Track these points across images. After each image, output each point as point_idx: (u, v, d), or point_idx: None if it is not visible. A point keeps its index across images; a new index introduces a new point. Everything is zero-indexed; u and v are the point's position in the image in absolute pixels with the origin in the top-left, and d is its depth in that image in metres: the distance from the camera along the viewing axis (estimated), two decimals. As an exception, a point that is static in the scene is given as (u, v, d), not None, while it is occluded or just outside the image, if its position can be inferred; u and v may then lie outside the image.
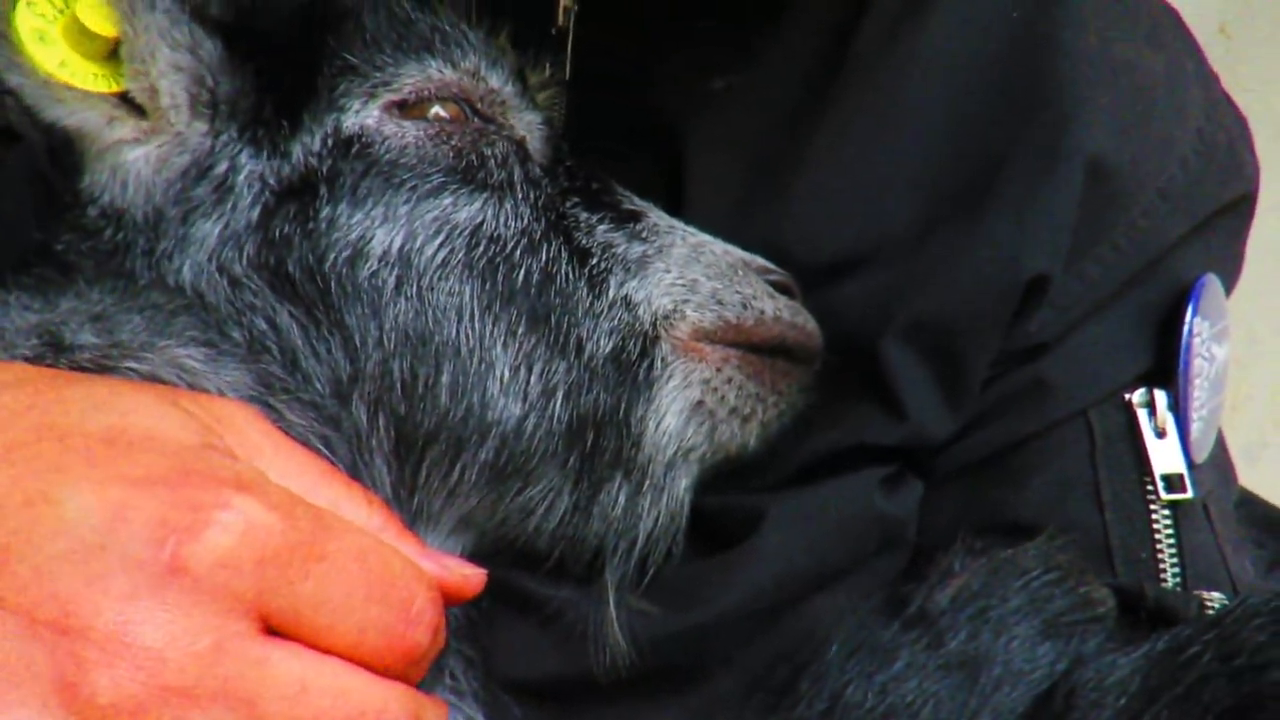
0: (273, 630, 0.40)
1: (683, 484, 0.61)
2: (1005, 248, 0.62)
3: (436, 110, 0.61)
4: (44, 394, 0.41)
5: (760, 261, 0.66)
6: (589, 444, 0.58)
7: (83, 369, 0.48)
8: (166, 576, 0.36)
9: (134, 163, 0.56)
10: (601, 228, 0.62)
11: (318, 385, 0.53)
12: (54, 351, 0.48)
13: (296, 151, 0.58)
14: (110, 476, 0.38)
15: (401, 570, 0.44)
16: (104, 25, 0.55)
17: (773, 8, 0.71)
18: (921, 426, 0.62)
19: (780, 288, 0.65)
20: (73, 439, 0.39)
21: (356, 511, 0.47)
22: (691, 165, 0.70)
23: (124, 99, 0.56)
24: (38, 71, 0.53)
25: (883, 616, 0.58)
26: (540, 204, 0.61)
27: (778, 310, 0.63)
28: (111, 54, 0.56)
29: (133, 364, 0.49)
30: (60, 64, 0.54)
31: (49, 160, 0.62)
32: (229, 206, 0.56)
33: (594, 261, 0.60)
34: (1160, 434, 0.64)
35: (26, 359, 0.48)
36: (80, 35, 0.55)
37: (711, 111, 0.71)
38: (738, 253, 0.65)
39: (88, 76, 0.55)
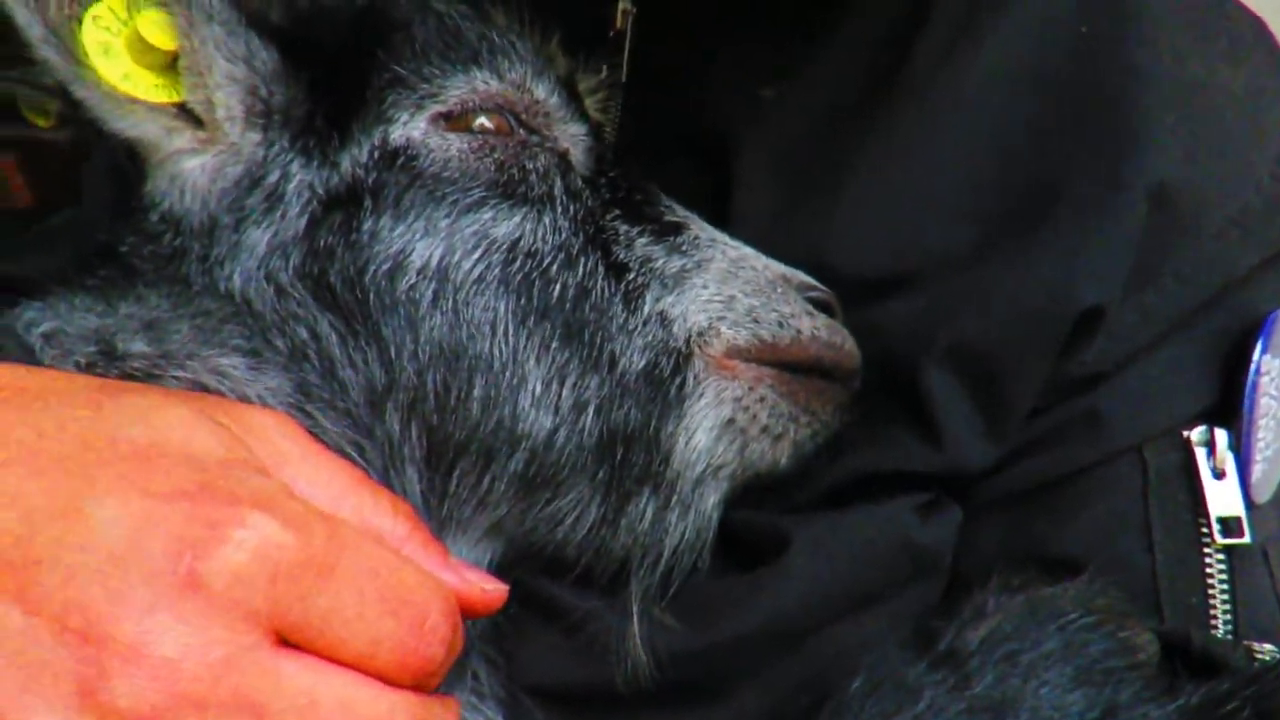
0: (288, 642, 0.41)
1: (711, 500, 0.61)
2: (1057, 277, 0.60)
3: (481, 121, 0.61)
4: (89, 406, 0.44)
5: (801, 277, 0.65)
6: (618, 458, 0.58)
7: (132, 377, 0.50)
8: (184, 590, 0.38)
9: (191, 172, 0.58)
10: (641, 241, 0.62)
11: (353, 394, 0.54)
12: (106, 359, 0.51)
13: (345, 162, 0.59)
14: (138, 490, 0.40)
15: (416, 585, 0.45)
16: (164, 39, 0.57)
17: (827, 14, 0.70)
18: (959, 455, 0.60)
19: (821, 305, 0.64)
20: (109, 452, 0.41)
21: (381, 520, 0.48)
22: (739, 172, 0.69)
23: (183, 109, 0.58)
24: (102, 84, 0.56)
25: (910, 652, 0.57)
26: (580, 217, 0.61)
27: (815, 329, 0.62)
28: (172, 64, 0.58)
29: (178, 373, 0.51)
30: (124, 76, 0.57)
31: (128, 155, 0.64)
32: (278, 215, 0.58)
33: (631, 276, 0.60)
34: (1219, 474, 0.61)
35: (79, 366, 0.50)
36: (142, 47, 0.57)
37: (761, 119, 0.70)
38: (778, 268, 0.64)
39: (149, 88, 0.58)
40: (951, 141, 0.64)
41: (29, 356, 0.52)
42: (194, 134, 0.58)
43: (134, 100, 0.57)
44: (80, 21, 0.56)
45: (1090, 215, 0.60)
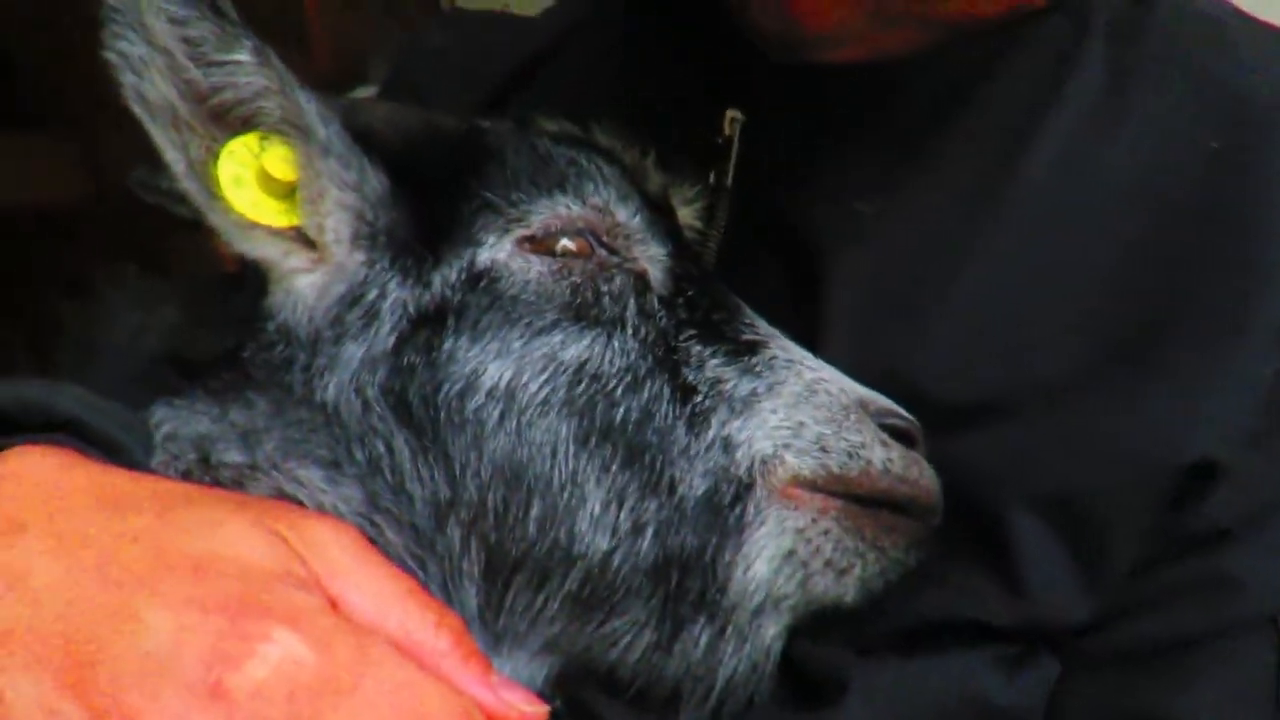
0: None
1: (770, 632, 0.59)
2: (1167, 421, 0.55)
3: (564, 243, 0.64)
4: (167, 513, 0.48)
5: (882, 402, 0.63)
6: (674, 584, 0.58)
7: (221, 484, 0.56)
8: (211, 699, 0.41)
9: (303, 289, 0.64)
10: (713, 362, 0.62)
11: (419, 507, 0.57)
12: (202, 467, 0.57)
13: (436, 282, 0.63)
14: (187, 600, 0.43)
15: (439, 706, 0.45)
16: (286, 170, 0.63)
17: (932, 131, 0.68)
18: (1044, 608, 0.56)
19: (900, 433, 0.62)
20: (173, 561, 0.44)
21: (423, 634, 0.49)
22: (829, 285, 0.69)
23: (299, 232, 0.64)
24: (232, 212, 0.62)
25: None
26: (650, 339, 0.62)
27: (887, 461, 0.60)
28: (292, 192, 0.64)
29: (262, 479, 0.56)
30: (252, 204, 0.63)
31: (255, 271, 0.71)
32: (373, 331, 0.62)
33: (698, 399, 0.61)
34: (1366, 656, 0.53)
35: (178, 471, 0.56)
36: (268, 178, 0.63)
37: (856, 234, 0.69)
38: (857, 392, 0.62)
39: (273, 214, 0.64)
40: (1058, 261, 0.61)
41: (148, 456, 0.58)
42: (307, 255, 0.64)
43: (259, 226, 0.63)
44: (217, 157, 0.63)
45: (1210, 355, 0.55)
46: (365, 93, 1.69)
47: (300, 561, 0.48)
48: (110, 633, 0.42)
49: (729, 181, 0.76)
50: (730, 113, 0.76)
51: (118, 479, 0.50)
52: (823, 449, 0.59)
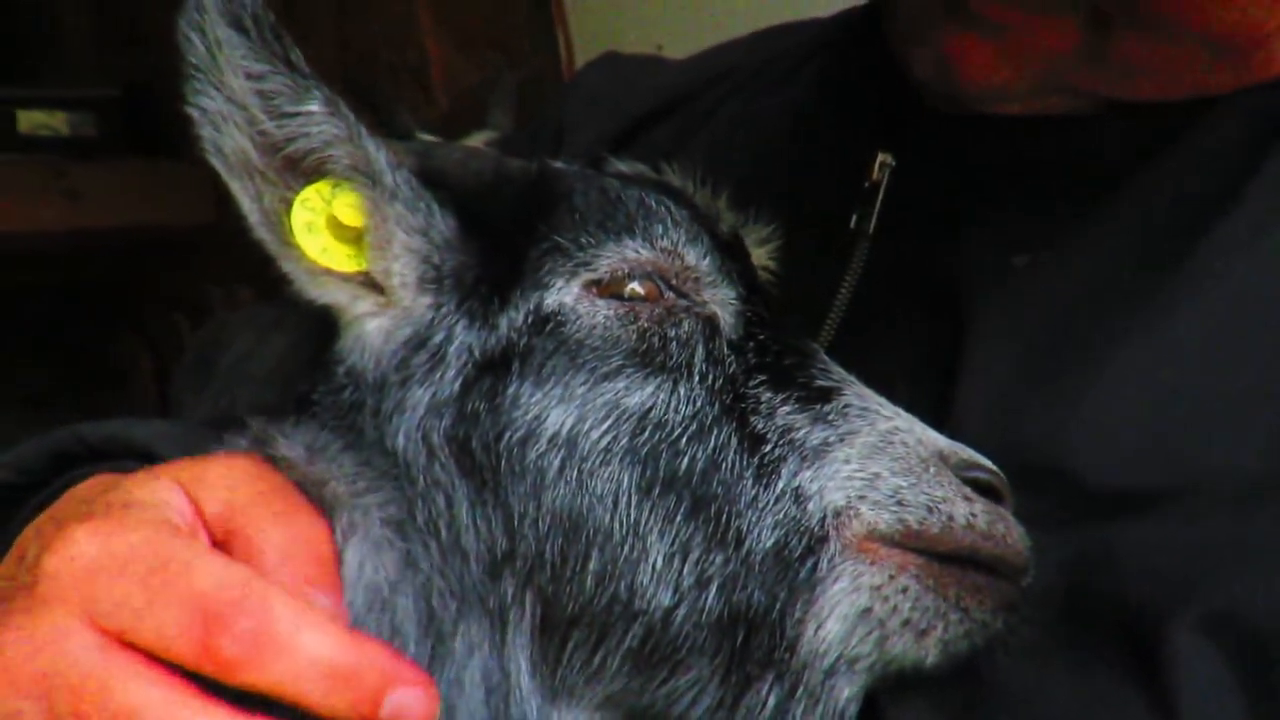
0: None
1: (844, 694, 0.56)
2: None
3: (633, 286, 0.62)
4: (117, 483, 0.56)
5: (965, 453, 0.59)
6: (739, 641, 0.56)
7: None
8: (29, 589, 0.51)
9: (370, 333, 0.64)
10: (784, 409, 0.60)
11: (472, 564, 0.56)
12: None
13: (503, 325, 0.62)
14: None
15: (205, 581, 0.49)
16: (354, 216, 0.64)
17: (1104, 189, 0.64)
18: None
19: (984, 488, 0.58)
20: (87, 510, 0.55)
21: (253, 508, 0.55)
22: (972, 341, 0.65)
23: (367, 277, 0.65)
24: (304, 259, 0.63)
25: None
26: (717, 386, 0.60)
27: (970, 517, 0.56)
28: (361, 237, 0.65)
29: None
30: (322, 250, 0.64)
31: (324, 316, 0.72)
32: (438, 376, 0.62)
33: (767, 448, 0.58)
34: None
35: None
36: (337, 224, 0.64)
37: (1007, 288, 0.65)
38: (936, 443, 0.59)
39: (342, 259, 0.65)
40: (1253, 340, 0.56)
41: None
42: (375, 299, 0.64)
43: (329, 272, 0.64)
44: (290, 206, 0.64)
45: None
46: (484, 137, 1.70)
47: (176, 491, 0.55)
48: (14, 567, 0.55)
49: (870, 227, 0.74)
50: (882, 156, 0.74)
51: (121, 479, 0.58)
52: (900, 502, 0.56)
